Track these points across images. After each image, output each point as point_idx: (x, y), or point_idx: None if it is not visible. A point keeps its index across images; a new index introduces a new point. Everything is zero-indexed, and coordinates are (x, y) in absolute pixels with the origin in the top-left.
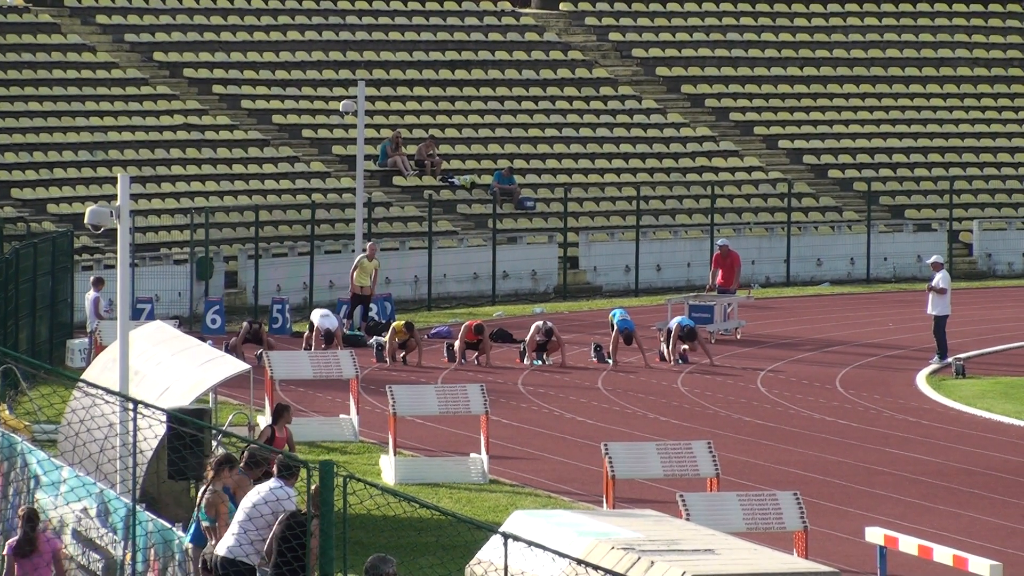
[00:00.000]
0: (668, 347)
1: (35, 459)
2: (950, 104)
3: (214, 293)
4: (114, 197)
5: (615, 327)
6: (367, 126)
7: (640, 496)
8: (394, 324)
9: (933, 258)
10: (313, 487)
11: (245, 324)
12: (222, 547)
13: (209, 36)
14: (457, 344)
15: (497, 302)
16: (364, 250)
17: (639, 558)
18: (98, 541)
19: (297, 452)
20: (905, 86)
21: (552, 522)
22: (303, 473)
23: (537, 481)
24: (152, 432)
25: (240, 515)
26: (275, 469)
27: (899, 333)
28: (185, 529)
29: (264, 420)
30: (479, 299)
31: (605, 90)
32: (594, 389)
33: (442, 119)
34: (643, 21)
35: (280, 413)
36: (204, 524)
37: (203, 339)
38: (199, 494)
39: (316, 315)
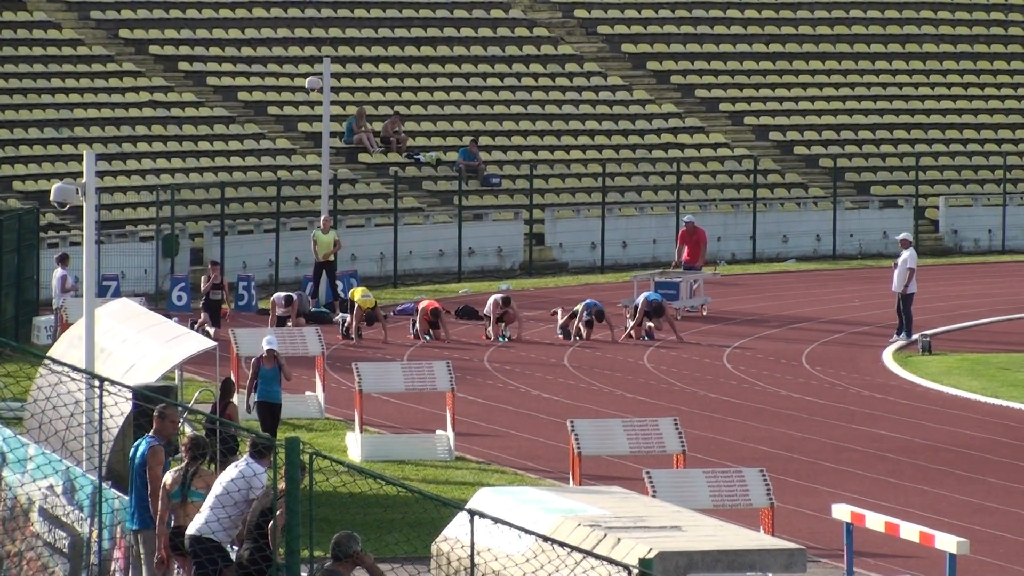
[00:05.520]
0: (634, 323)
1: (1, 437)
2: (916, 80)
3: (180, 270)
4: (80, 174)
5: (583, 308)
6: (333, 103)
7: (606, 473)
8: (355, 296)
9: (902, 235)
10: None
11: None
12: (192, 526)
13: (175, 13)
14: (418, 323)
15: (463, 279)
16: (319, 226)
17: (605, 535)
18: (64, 518)
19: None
20: (871, 63)
21: (518, 499)
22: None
23: (503, 458)
24: (118, 409)
25: (213, 495)
26: (248, 448)
27: (865, 310)
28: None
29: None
30: (445, 276)
31: (571, 67)
32: (560, 366)
33: (408, 96)
34: None
35: (229, 388)
36: (192, 501)
37: (169, 316)
38: (183, 475)
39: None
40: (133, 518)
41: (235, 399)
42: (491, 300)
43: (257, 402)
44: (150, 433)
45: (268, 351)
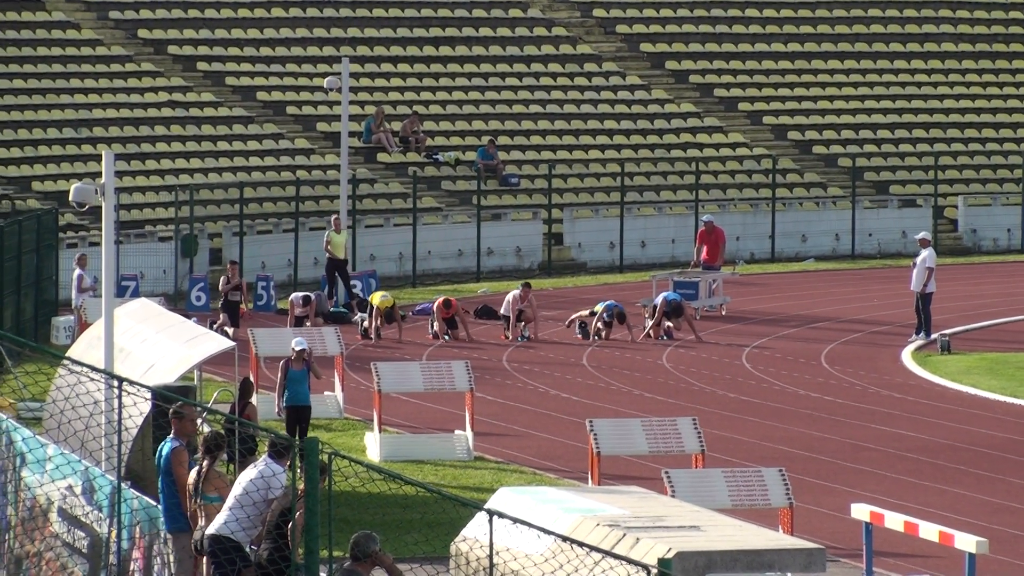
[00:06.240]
0: (653, 323)
1: (20, 437)
2: (934, 80)
3: (199, 270)
4: (99, 174)
5: (604, 309)
6: (351, 103)
7: (625, 473)
8: (374, 300)
9: (921, 234)
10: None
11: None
12: (212, 526)
13: (193, 13)
14: (436, 324)
15: (482, 279)
16: (331, 224)
17: (624, 535)
18: (83, 519)
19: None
20: (889, 61)
21: (537, 499)
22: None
23: (522, 458)
24: (137, 409)
25: (232, 495)
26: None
27: (884, 309)
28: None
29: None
30: (464, 276)
31: (589, 66)
32: (579, 366)
33: (426, 95)
34: None
35: (248, 388)
36: (203, 504)
37: (188, 316)
38: (195, 476)
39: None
40: (165, 521)
41: (253, 399)
42: (508, 297)
43: (286, 406)
44: (171, 435)
45: (298, 352)
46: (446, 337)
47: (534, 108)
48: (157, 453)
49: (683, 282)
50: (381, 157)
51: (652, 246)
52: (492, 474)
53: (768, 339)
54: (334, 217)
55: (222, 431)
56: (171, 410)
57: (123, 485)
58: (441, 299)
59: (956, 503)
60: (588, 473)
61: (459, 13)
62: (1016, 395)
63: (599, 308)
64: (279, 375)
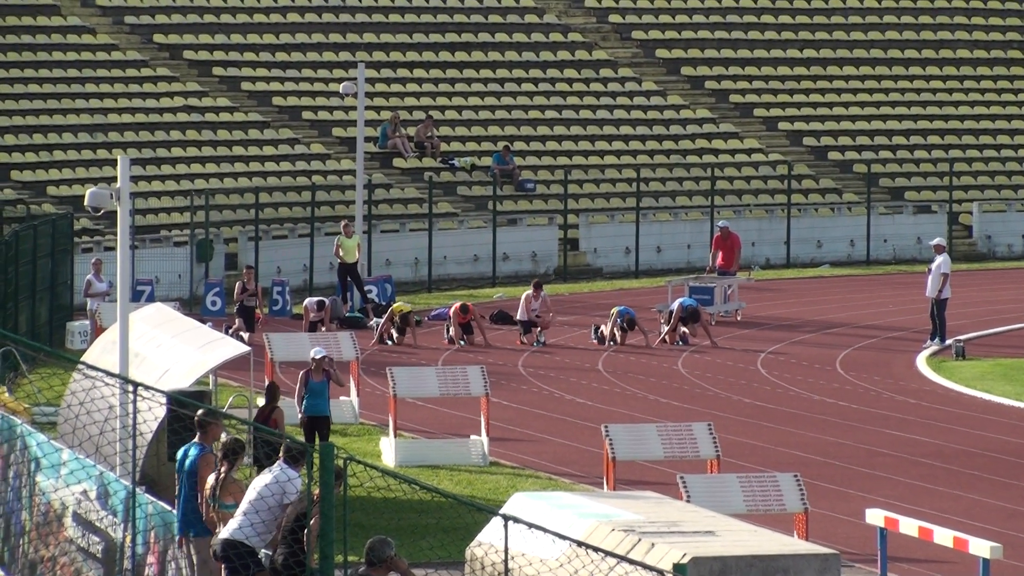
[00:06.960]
0: (669, 328)
1: (35, 442)
2: (950, 86)
3: (214, 275)
4: (114, 179)
5: (616, 314)
6: (367, 108)
7: (641, 478)
8: (393, 307)
9: (936, 240)
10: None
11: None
12: (226, 530)
13: (209, 18)
14: (452, 329)
15: (497, 284)
16: (341, 231)
17: (639, 540)
18: (98, 524)
19: (294, 434)
20: (905, 68)
21: (553, 504)
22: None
23: (537, 463)
24: (152, 414)
25: (247, 500)
26: (281, 453)
27: (899, 315)
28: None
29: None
30: (479, 281)
31: (605, 72)
32: (595, 371)
33: (442, 101)
34: (643, 3)
35: (274, 393)
36: (218, 512)
37: (203, 321)
38: (212, 482)
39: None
40: (185, 525)
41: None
42: (523, 299)
43: (304, 415)
44: (196, 440)
45: (317, 361)
46: (462, 342)
47: (550, 114)
48: (180, 457)
49: (699, 287)
50: (397, 162)
51: (668, 251)
52: (507, 479)
53: (783, 344)
54: (344, 222)
55: (240, 437)
56: (197, 418)
57: (138, 490)
58: (458, 304)
59: (970, 508)
60: (603, 478)
61: (475, 19)
62: None
63: (614, 312)
64: (298, 385)
